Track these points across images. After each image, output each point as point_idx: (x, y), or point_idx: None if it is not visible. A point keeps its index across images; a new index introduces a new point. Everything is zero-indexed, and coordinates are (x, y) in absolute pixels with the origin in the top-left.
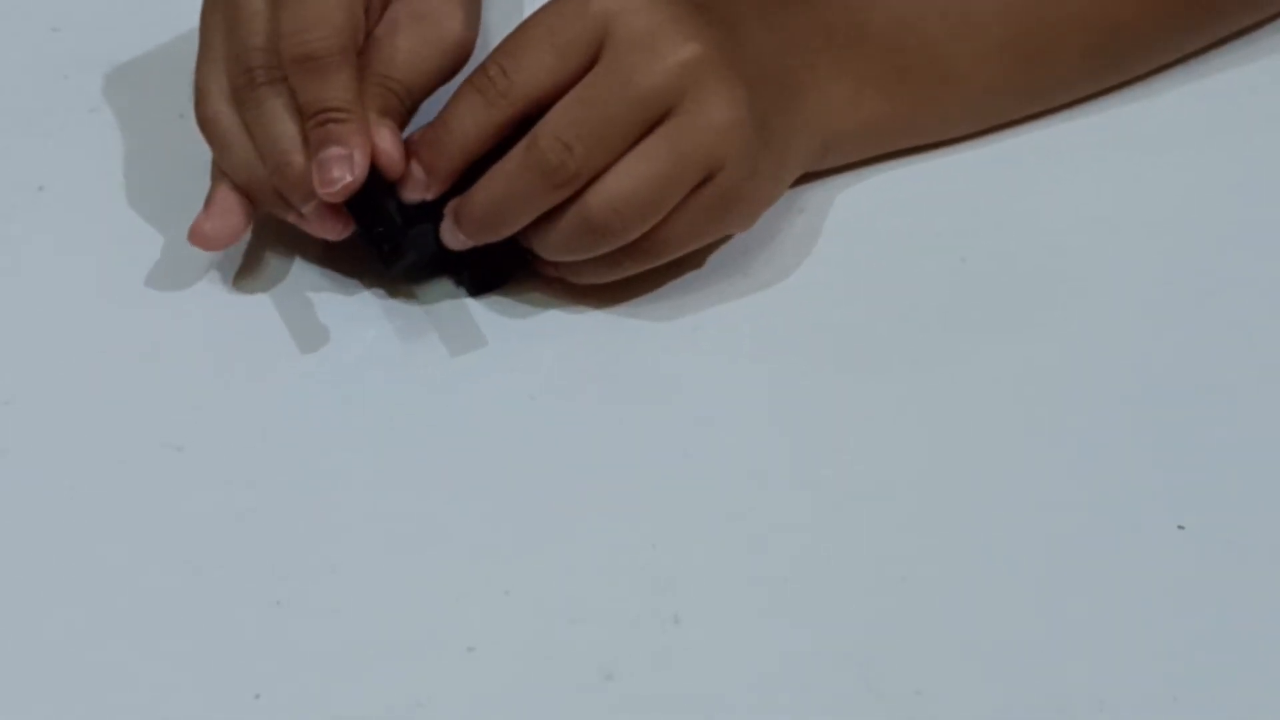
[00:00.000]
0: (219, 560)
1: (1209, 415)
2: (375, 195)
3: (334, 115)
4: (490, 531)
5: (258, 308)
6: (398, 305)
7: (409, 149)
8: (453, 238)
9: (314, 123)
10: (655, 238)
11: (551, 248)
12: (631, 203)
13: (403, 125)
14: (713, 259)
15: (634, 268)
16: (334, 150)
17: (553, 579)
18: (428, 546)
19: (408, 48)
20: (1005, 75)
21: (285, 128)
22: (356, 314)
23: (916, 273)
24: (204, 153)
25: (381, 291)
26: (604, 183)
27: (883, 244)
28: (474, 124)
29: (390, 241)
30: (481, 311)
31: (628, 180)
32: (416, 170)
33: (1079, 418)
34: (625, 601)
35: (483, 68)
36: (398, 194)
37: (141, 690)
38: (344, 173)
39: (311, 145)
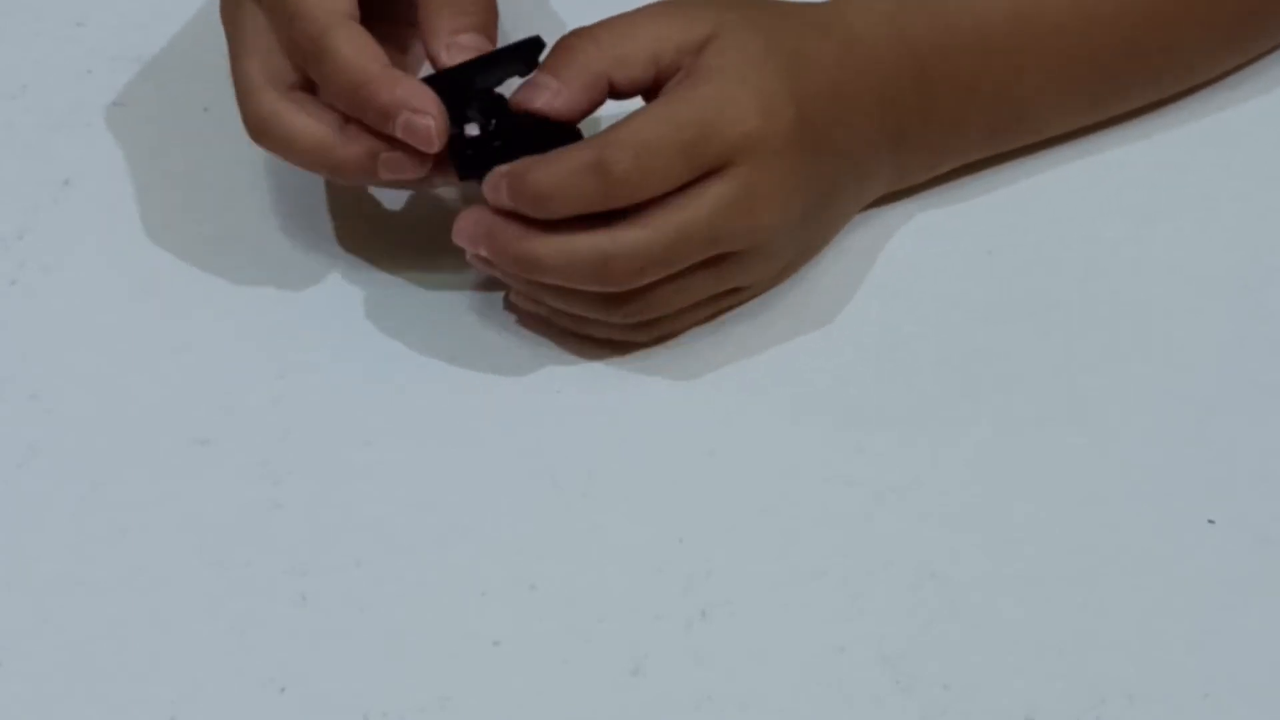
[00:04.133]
0: (245, 555)
1: (1239, 409)
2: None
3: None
4: (515, 526)
5: (284, 303)
6: (423, 302)
7: (514, 176)
8: (494, 194)
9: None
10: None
11: (566, 266)
12: (660, 314)
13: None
14: None
15: (646, 337)
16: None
17: (579, 574)
18: (453, 541)
19: None
20: (1070, 117)
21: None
22: (382, 311)
23: (943, 266)
24: (227, 146)
25: (407, 289)
26: (655, 292)
27: (909, 239)
28: (577, 202)
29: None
30: (504, 308)
31: (673, 302)
32: (502, 190)
33: (1109, 412)
34: (652, 596)
35: (612, 152)
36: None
37: (168, 683)
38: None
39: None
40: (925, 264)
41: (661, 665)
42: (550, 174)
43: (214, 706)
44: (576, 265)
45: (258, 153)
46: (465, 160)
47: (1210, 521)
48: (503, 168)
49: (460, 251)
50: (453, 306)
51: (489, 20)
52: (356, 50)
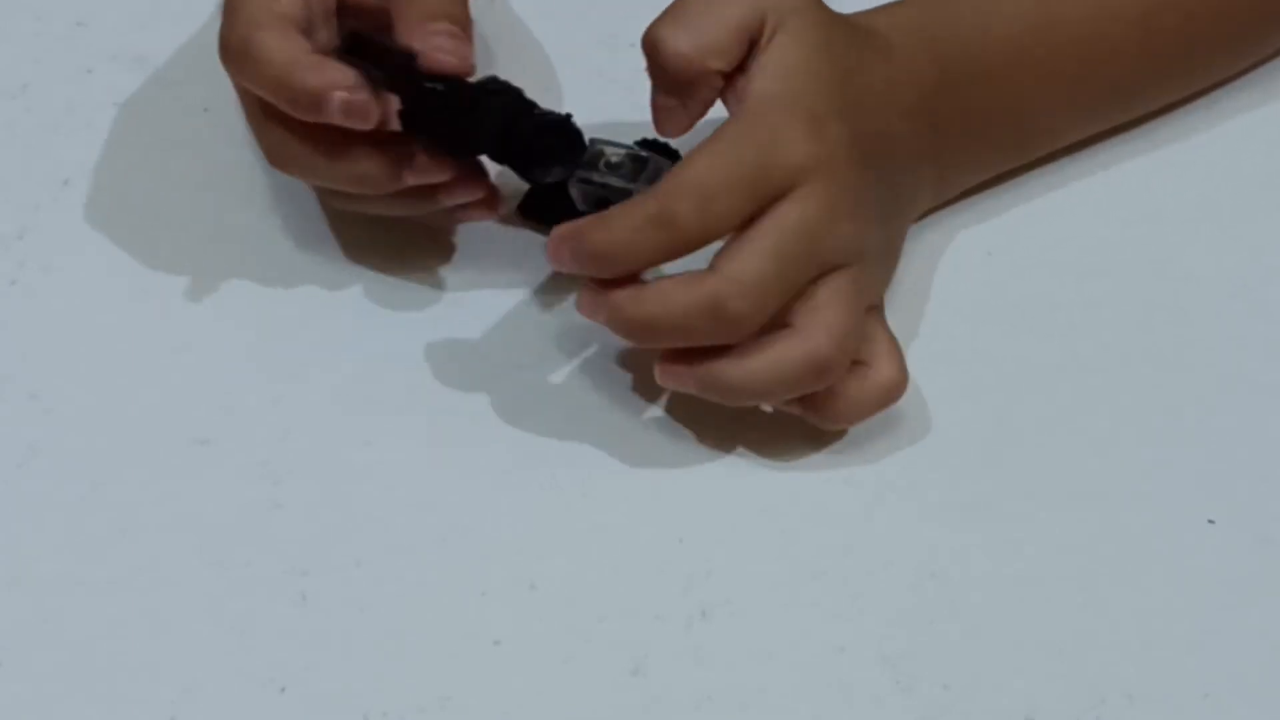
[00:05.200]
0: (245, 555)
1: (1239, 409)
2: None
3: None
4: (515, 526)
5: (284, 303)
6: (423, 301)
7: (573, 240)
8: (556, 259)
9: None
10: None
11: (777, 382)
12: (846, 334)
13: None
14: None
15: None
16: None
17: (579, 573)
18: (453, 541)
19: None
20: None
21: None
22: (382, 311)
23: (943, 266)
24: (227, 146)
25: (407, 289)
26: (816, 316)
27: (908, 239)
28: (645, 257)
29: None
30: (508, 307)
31: (835, 312)
32: (564, 253)
33: (1109, 412)
34: (652, 596)
35: (674, 203)
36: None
37: (168, 683)
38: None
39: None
40: (925, 264)
41: (661, 665)
42: (612, 233)
43: (214, 706)
44: (691, 314)
45: (258, 153)
46: (419, 121)
47: (1210, 521)
48: (560, 230)
49: (458, 252)
50: (453, 306)
51: (462, 17)
52: (281, 42)
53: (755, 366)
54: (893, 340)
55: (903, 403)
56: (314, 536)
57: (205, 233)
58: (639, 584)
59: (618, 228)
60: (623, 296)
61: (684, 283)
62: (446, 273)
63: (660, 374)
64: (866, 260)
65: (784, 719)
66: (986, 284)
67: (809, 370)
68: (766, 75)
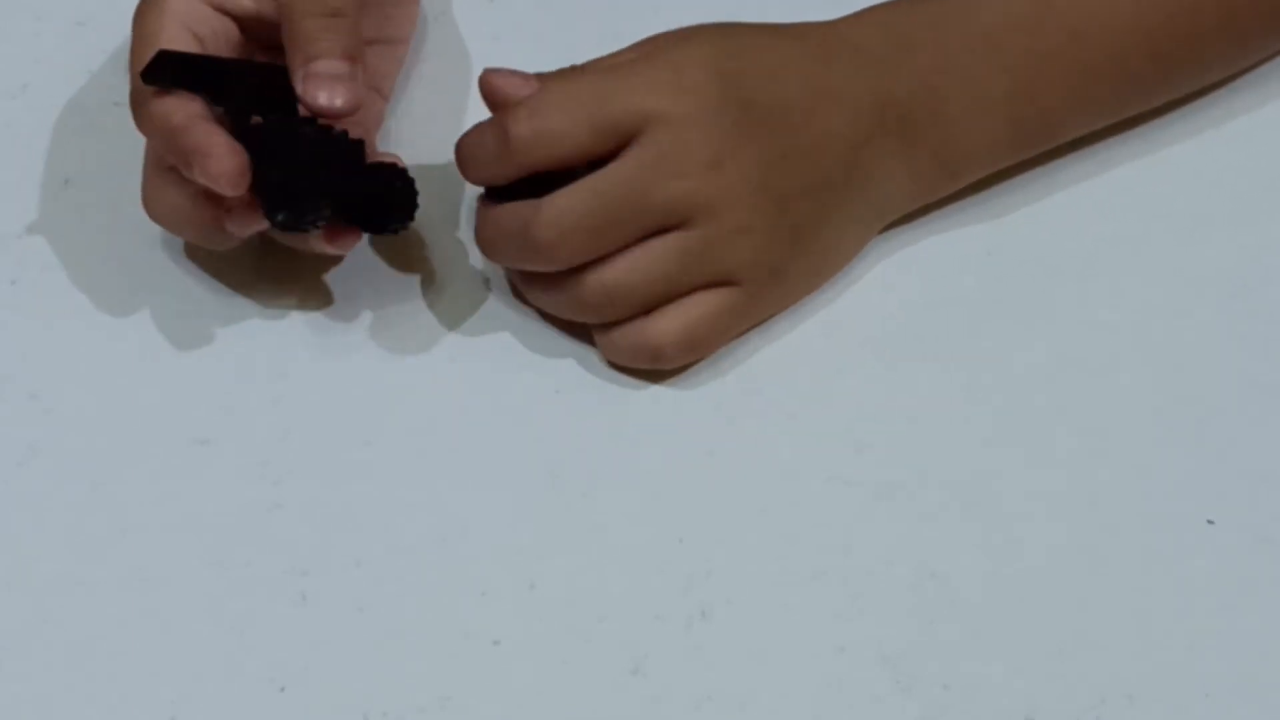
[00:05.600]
0: (245, 555)
1: (1239, 409)
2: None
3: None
4: (515, 525)
5: (284, 303)
6: (423, 302)
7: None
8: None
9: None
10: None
11: (548, 306)
12: (626, 291)
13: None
14: None
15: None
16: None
17: (579, 573)
18: (452, 541)
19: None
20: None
21: None
22: (382, 311)
23: (943, 266)
24: None
25: (407, 289)
26: (603, 268)
27: (908, 239)
28: (482, 168)
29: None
30: (505, 308)
31: (626, 273)
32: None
33: (1108, 411)
34: (652, 596)
35: (512, 114)
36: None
37: (168, 683)
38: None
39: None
40: (925, 264)
41: (661, 665)
42: (465, 137)
43: (214, 706)
44: (503, 233)
45: None
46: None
47: (1210, 522)
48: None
49: (458, 252)
50: (453, 306)
51: (337, 44)
52: (164, 103)
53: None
54: (706, 314)
55: (903, 403)
56: (314, 536)
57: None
58: (639, 584)
59: (470, 133)
60: (478, 214)
61: (511, 207)
62: (446, 273)
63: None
64: (721, 220)
65: (784, 719)
66: (986, 284)
67: (596, 302)
68: (645, 53)
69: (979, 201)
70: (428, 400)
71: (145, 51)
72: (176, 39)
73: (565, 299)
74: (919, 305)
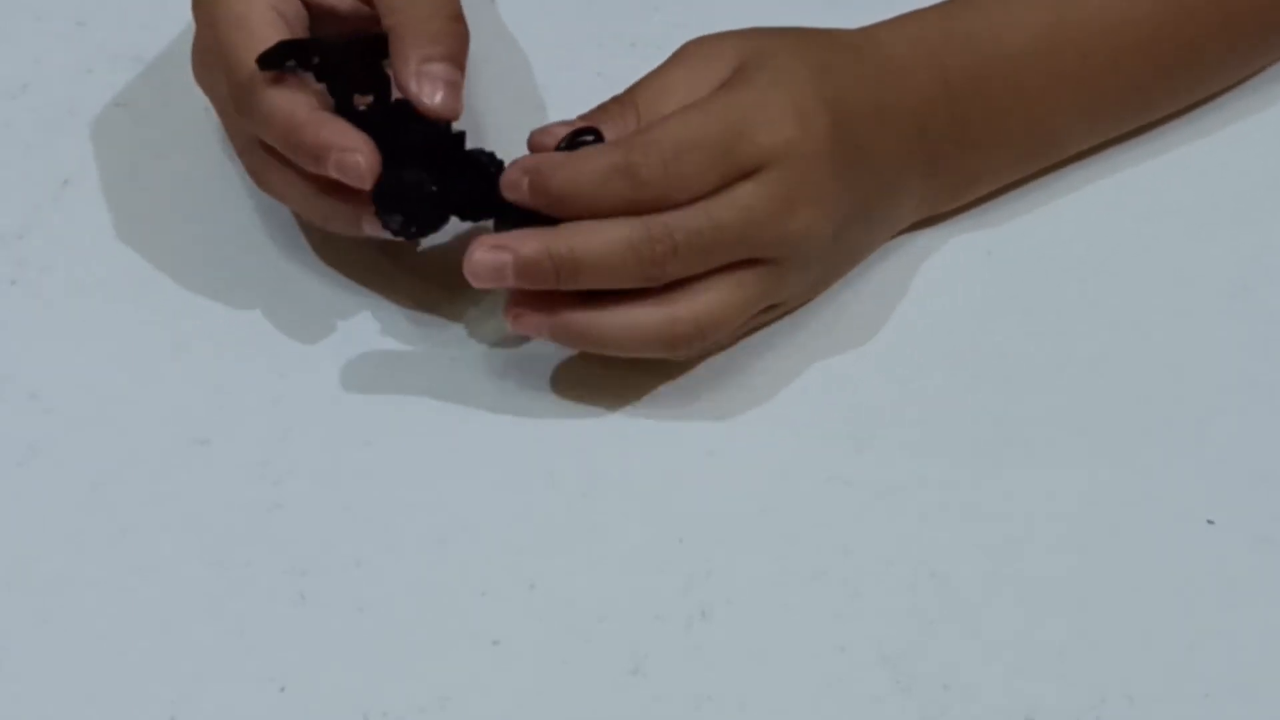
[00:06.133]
0: (245, 555)
1: (1239, 409)
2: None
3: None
4: (514, 526)
5: (284, 303)
6: (423, 302)
7: (537, 174)
8: (513, 190)
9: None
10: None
11: (629, 341)
12: (714, 323)
13: None
14: None
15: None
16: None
17: (578, 573)
18: (452, 541)
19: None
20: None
21: None
22: (382, 311)
23: (943, 266)
24: (227, 146)
25: (407, 289)
26: (695, 297)
27: (908, 240)
28: (603, 204)
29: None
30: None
31: (718, 303)
32: (523, 184)
33: (1108, 411)
34: (652, 596)
35: (641, 152)
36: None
37: (168, 683)
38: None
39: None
40: (925, 264)
41: (661, 665)
42: (575, 174)
43: (214, 706)
44: (614, 251)
45: None
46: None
47: (1210, 522)
48: (524, 162)
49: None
50: (453, 306)
51: (459, 49)
52: (283, 97)
53: (610, 321)
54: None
55: (903, 403)
56: (314, 536)
57: (205, 232)
58: (639, 584)
59: (582, 170)
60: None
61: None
62: (446, 273)
63: (514, 321)
64: (794, 261)
65: (784, 719)
66: (986, 284)
67: (659, 338)
68: (755, 67)
69: (979, 202)
70: (428, 400)
71: (239, 35)
72: (266, 20)
73: (653, 330)
74: (919, 305)
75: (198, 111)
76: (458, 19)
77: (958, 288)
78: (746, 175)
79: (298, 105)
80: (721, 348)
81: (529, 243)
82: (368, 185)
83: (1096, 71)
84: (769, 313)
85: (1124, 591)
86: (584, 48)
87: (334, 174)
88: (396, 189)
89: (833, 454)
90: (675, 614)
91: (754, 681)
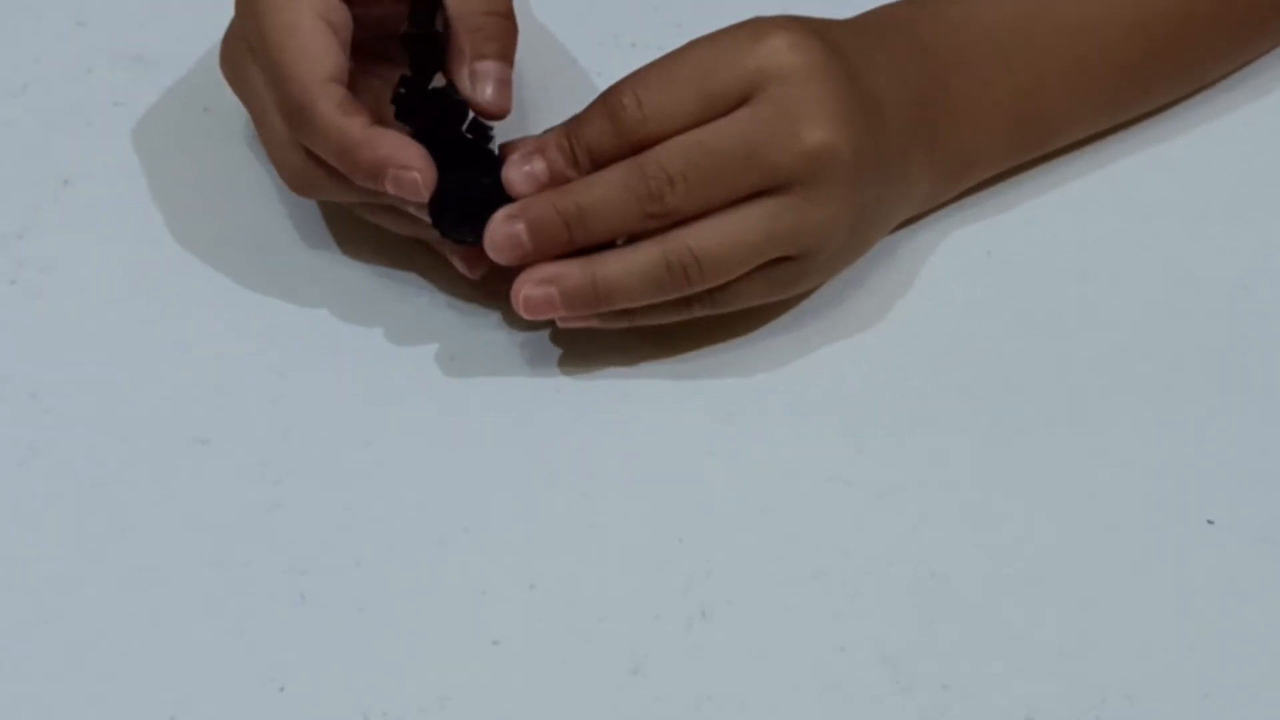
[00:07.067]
0: (245, 555)
1: (1239, 409)
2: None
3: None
4: (514, 525)
5: (284, 303)
6: (424, 301)
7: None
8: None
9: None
10: (725, 289)
11: (627, 284)
12: (713, 260)
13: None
14: None
15: (701, 312)
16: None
17: (578, 573)
18: (452, 541)
19: None
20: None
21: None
22: (382, 311)
23: (942, 266)
24: (227, 146)
25: (407, 288)
26: (693, 229)
27: (907, 239)
28: (593, 143)
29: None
30: (508, 307)
31: (716, 237)
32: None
33: (1108, 412)
34: (652, 596)
35: (618, 93)
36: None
37: (168, 683)
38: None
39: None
40: (924, 264)
41: (661, 665)
42: (569, 124)
43: (214, 706)
44: (611, 190)
45: (258, 152)
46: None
47: (1210, 522)
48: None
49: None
50: (453, 306)
51: (509, 47)
52: (339, 115)
53: (611, 267)
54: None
55: (903, 403)
56: (314, 536)
57: (205, 232)
58: (639, 584)
59: (575, 119)
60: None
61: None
62: (446, 273)
63: (523, 305)
64: (807, 187)
65: (784, 719)
66: (986, 284)
67: (656, 274)
68: (786, 73)
69: (979, 201)
70: (428, 400)
71: (288, 40)
72: (316, 29)
73: (648, 266)
74: (919, 305)
75: (198, 111)
76: (509, 16)
77: (958, 287)
78: (739, 104)
79: (353, 124)
80: (744, 301)
81: (537, 203)
82: (424, 199)
83: (1083, 46)
84: (785, 269)
85: (1124, 591)
86: (584, 48)
87: (391, 190)
88: (450, 202)
89: (833, 454)
90: (675, 614)
91: (754, 681)
